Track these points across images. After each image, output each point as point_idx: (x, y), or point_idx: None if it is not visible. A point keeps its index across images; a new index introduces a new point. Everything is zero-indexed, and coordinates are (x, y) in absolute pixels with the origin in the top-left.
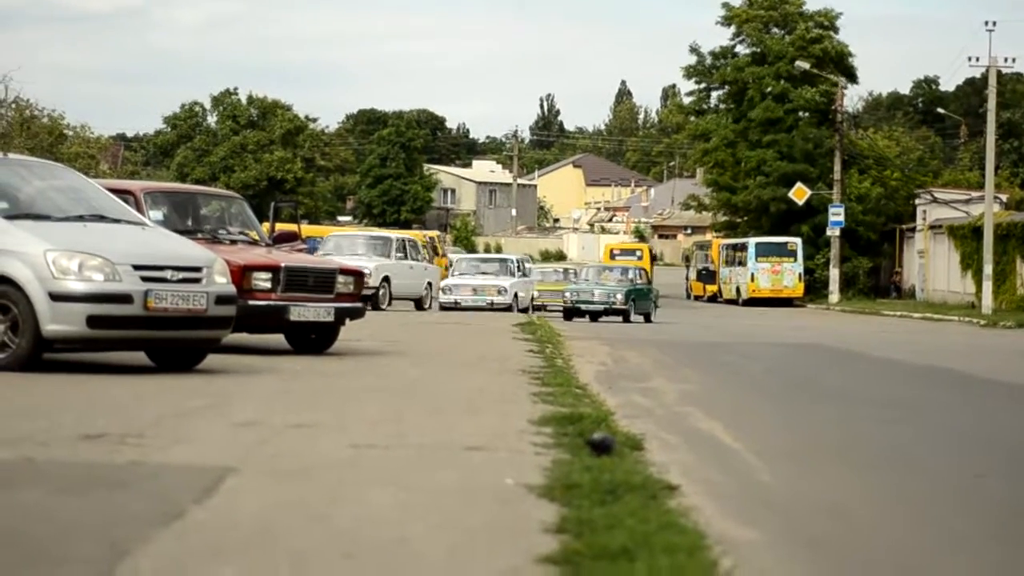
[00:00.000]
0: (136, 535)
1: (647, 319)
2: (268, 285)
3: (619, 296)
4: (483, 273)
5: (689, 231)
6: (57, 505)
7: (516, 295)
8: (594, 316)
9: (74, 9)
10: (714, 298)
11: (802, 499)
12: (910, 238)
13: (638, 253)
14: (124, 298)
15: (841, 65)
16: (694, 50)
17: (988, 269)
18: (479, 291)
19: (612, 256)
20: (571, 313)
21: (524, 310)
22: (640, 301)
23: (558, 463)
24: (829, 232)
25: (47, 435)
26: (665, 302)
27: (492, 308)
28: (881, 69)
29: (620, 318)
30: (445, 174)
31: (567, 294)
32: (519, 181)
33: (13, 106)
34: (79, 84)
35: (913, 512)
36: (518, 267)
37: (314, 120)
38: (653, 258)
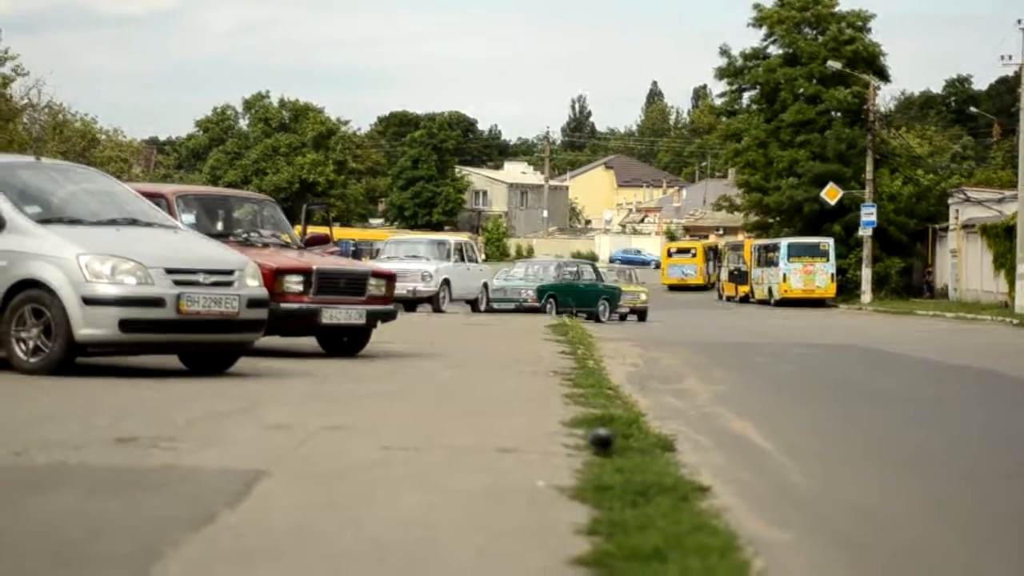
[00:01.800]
0: (168, 538)
1: (641, 317)
2: (300, 288)
3: (531, 293)
4: (414, 257)
5: (721, 231)
6: (90, 508)
7: (448, 283)
8: (511, 311)
9: (106, 13)
10: (746, 299)
11: (833, 500)
12: (943, 237)
13: (692, 251)
14: (156, 302)
15: (873, 65)
16: (724, 52)
17: (1021, 268)
18: (400, 277)
19: (669, 254)
20: (490, 311)
21: (473, 304)
22: (570, 298)
23: (589, 465)
24: (861, 232)
25: (80, 439)
26: (696, 303)
27: (415, 298)
28: (913, 68)
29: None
30: (476, 176)
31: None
32: (550, 183)
33: (46, 110)
34: (111, 88)
35: (944, 513)
36: (459, 252)
37: (346, 123)
38: (715, 254)
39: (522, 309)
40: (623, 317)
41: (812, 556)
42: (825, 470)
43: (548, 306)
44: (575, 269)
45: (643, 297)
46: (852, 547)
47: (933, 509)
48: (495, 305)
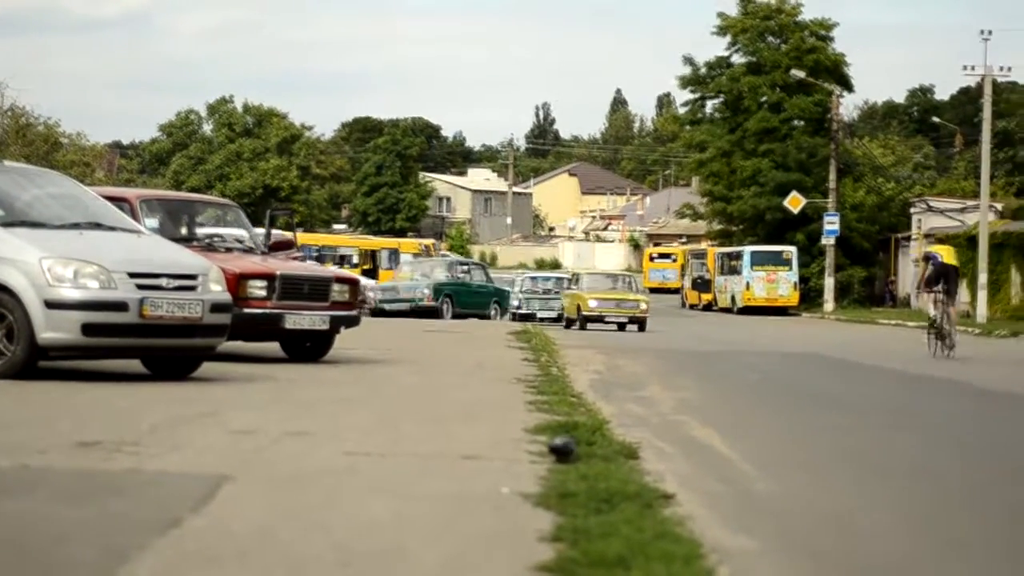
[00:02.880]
0: (133, 542)
1: (641, 327)
2: (263, 293)
3: (426, 291)
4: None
5: (684, 240)
6: (54, 513)
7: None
8: (404, 315)
9: (73, 17)
10: (709, 307)
11: (798, 507)
12: (905, 247)
13: (673, 256)
14: (119, 306)
15: (836, 74)
16: (688, 60)
17: (983, 278)
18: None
19: (651, 259)
20: (377, 313)
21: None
22: (467, 299)
23: (553, 472)
24: (824, 241)
25: (43, 443)
26: (659, 311)
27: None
28: (876, 78)
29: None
30: (440, 182)
31: (373, 293)
32: (514, 189)
33: (9, 114)
34: (75, 92)
35: (910, 519)
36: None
37: (309, 128)
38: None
39: (417, 310)
40: (621, 327)
41: (776, 564)
42: (789, 478)
43: (444, 307)
44: (467, 269)
45: (643, 306)
46: (817, 555)
47: (899, 516)
48: (386, 307)
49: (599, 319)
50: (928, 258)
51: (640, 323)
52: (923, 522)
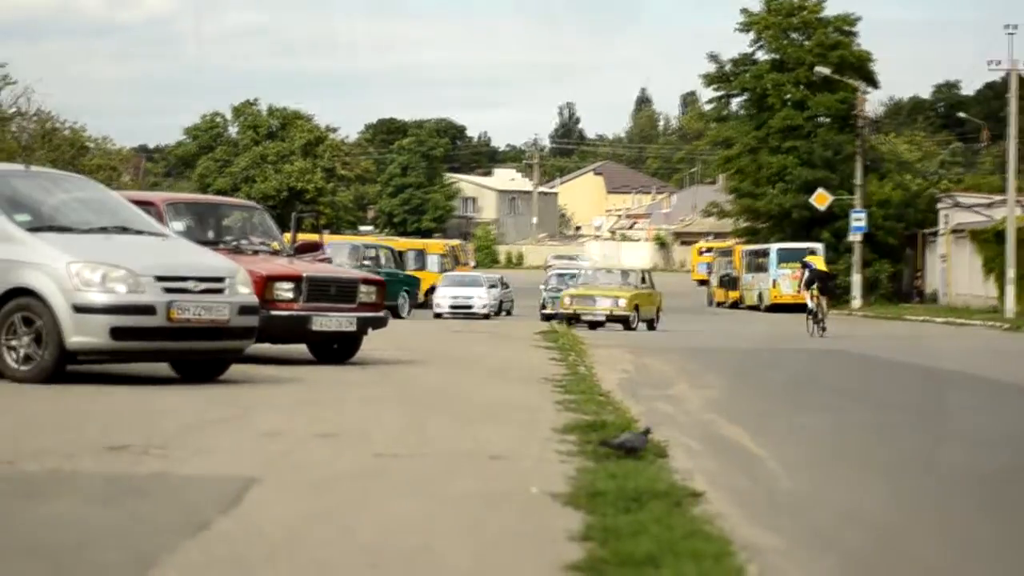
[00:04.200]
0: (162, 545)
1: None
2: (290, 295)
3: None
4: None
5: (711, 238)
6: (84, 516)
7: None
8: None
9: (99, 21)
10: (736, 304)
11: (826, 505)
12: (932, 243)
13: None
14: (147, 309)
15: (861, 70)
16: (713, 57)
17: (1011, 273)
18: None
19: (700, 253)
20: None
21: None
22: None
23: (582, 471)
24: (851, 237)
25: (72, 447)
26: (686, 309)
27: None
28: (902, 74)
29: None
30: (466, 183)
31: None
32: (540, 189)
33: (35, 118)
34: (100, 96)
35: (936, 517)
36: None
37: (334, 130)
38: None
39: None
40: (595, 326)
41: (805, 561)
42: (817, 475)
43: None
44: (374, 254)
45: (622, 303)
46: (844, 551)
47: (926, 514)
48: None
49: (575, 317)
50: (805, 266)
51: (623, 321)
52: (947, 520)
